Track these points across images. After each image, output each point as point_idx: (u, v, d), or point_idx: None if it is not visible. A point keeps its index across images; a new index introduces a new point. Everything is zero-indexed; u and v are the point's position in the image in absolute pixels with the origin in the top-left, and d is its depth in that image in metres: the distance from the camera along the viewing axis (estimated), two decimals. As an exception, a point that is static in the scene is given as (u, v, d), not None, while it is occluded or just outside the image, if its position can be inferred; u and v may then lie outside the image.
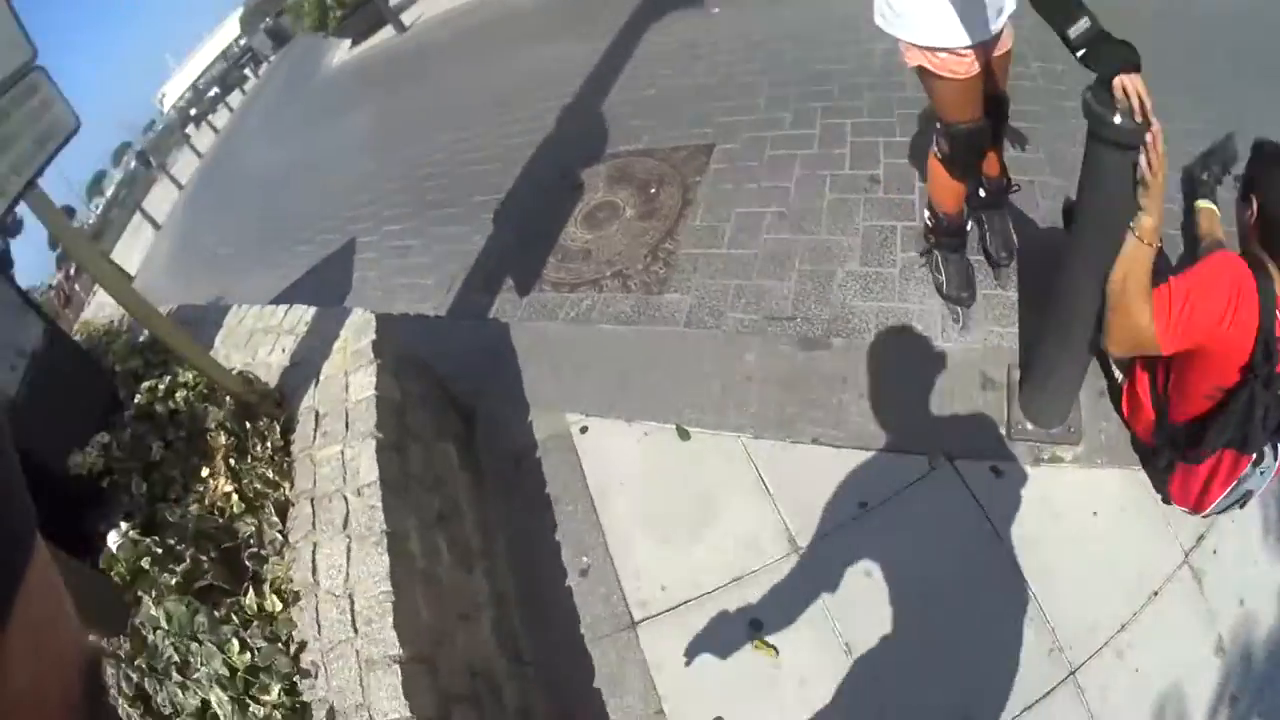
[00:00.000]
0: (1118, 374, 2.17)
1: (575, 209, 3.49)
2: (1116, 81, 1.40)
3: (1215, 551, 2.09)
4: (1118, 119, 1.41)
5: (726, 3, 5.22)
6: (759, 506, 2.19)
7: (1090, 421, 2.20)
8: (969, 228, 2.48)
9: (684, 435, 2.43)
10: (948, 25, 1.81)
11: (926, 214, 2.43)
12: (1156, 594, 1.98)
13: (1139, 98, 1.39)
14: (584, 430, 2.52)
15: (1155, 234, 1.57)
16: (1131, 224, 1.59)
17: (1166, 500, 2.05)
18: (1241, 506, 1.90)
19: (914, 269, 2.66)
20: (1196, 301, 1.60)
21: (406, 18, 10.48)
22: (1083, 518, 2.05)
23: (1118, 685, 1.84)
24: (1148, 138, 1.42)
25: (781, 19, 4.74)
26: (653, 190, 3.44)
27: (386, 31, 10.56)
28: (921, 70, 1.95)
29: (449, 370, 2.74)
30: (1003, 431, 2.17)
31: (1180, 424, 1.90)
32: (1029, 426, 2.16)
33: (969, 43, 1.82)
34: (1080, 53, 1.44)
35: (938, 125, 2.11)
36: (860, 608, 1.96)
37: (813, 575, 2.03)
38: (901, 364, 2.40)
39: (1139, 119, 1.41)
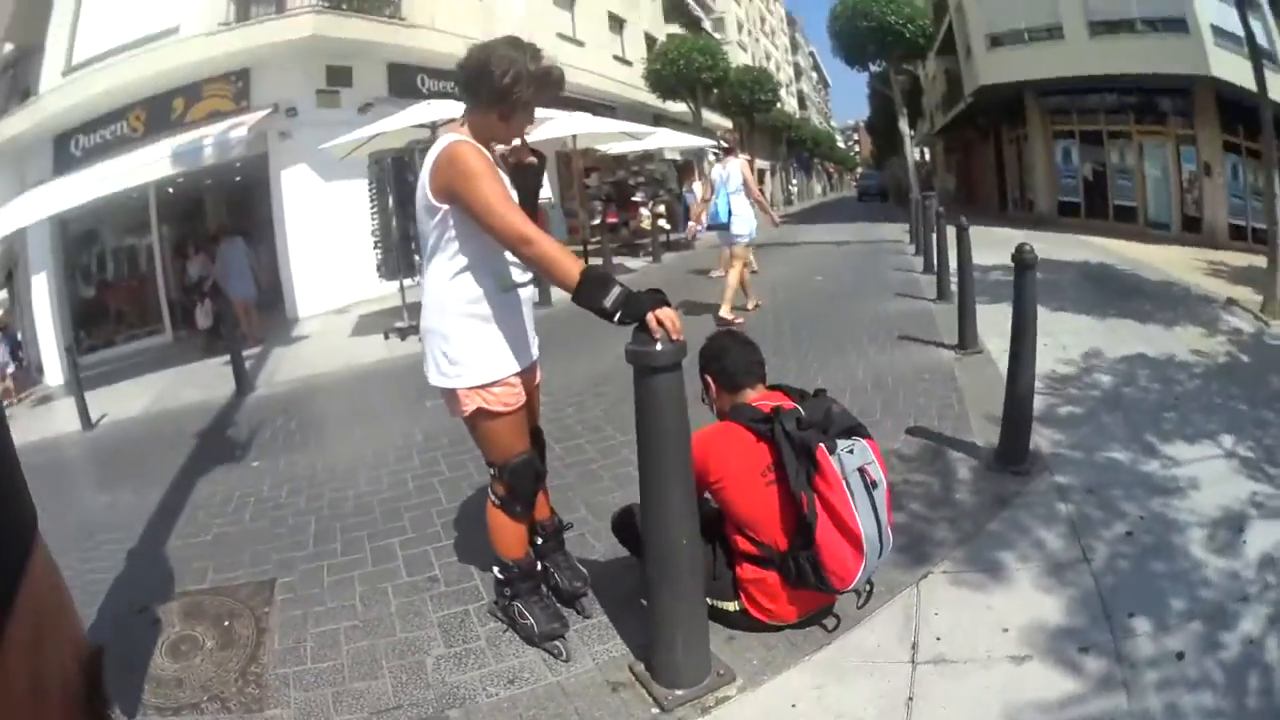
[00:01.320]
0: (729, 606, 2.39)
1: (158, 641, 3.20)
2: (650, 318, 1.76)
3: (938, 638, 2.34)
4: (659, 346, 1.72)
5: (262, 455, 5.50)
6: None
7: (735, 662, 2.31)
8: (539, 568, 2.61)
9: None
10: (500, 358, 2.10)
11: (496, 570, 2.51)
12: (911, 699, 2.08)
13: (671, 322, 1.72)
14: None
15: None
16: None
17: (835, 589, 2.21)
18: (876, 488, 2.16)
19: (500, 634, 2.72)
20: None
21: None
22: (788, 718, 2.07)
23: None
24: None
25: (316, 464, 5.09)
26: (226, 624, 3.27)
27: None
28: (477, 416, 2.17)
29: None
30: (655, 712, 2.16)
31: (787, 545, 2.23)
32: (679, 693, 2.16)
33: (518, 368, 2.12)
34: (617, 316, 1.78)
35: (491, 473, 2.29)
36: None
37: None
38: (525, 714, 2.31)
39: (675, 339, 1.74)
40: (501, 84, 2.01)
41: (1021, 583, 2.63)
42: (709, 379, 2.54)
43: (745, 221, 7.09)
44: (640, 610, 2.50)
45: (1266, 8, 10.91)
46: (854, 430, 2.27)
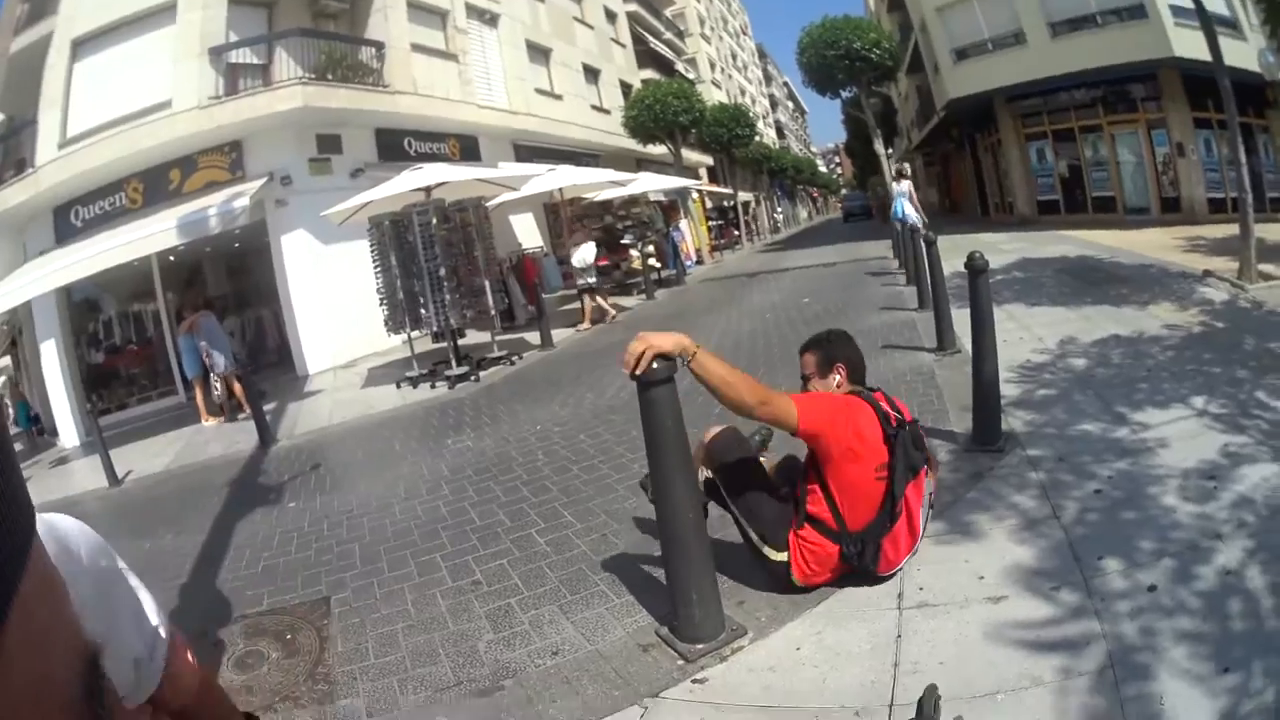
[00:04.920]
0: (778, 556, 2.69)
1: (223, 659, 3.50)
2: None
3: (921, 588, 2.67)
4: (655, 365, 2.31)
5: (297, 497, 5.76)
6: None
7: (746, 621, 2.68)
8: None
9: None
10: None
11: None
12: (900, 637, 2.41)
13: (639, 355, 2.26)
14: None
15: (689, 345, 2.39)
16: (686, 361, 2.37)
17: (877, 578, 2.64)
18: (933, 506, 2.71)
19: (541, 619, 3.08)
20: (817, 399, 2.70)
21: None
22: (795, 660, 2.42)
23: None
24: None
25: (351, 501, 5.34)
26: (289, 637, 3.60)
27: None
28: None
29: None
30: (680, 663, 2.52)
31: (861, 527, 2.59)
32: (699, 646, 2.54)
33: None
34: None
35: None
36: None
37: None
38: (571, 676, 2.65)
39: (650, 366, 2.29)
40: None
41: (996, 539, 2.94)
42: (842, 365, 2.86)
43: (913, 217, 11.51)
44: (661, 589, 2.85)
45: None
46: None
